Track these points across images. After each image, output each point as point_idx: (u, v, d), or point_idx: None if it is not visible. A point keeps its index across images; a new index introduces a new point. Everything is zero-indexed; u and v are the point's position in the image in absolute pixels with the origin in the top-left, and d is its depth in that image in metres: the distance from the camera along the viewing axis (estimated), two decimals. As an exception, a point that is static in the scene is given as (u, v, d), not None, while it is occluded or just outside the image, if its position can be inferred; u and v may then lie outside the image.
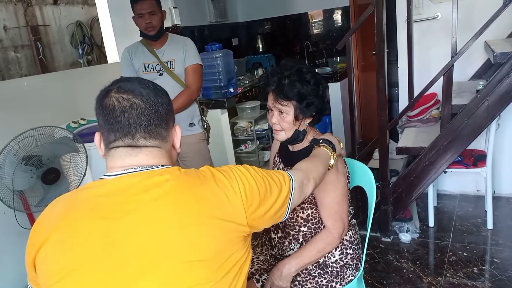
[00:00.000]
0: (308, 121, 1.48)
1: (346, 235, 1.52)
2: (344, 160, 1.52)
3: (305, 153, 1.49)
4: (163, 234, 0.83)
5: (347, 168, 1.53)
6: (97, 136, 0.95)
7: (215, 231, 0.87)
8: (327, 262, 1.49)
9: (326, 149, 1.32)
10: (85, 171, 2.32)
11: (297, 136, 1.48)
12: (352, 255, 1.53)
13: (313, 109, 1.44)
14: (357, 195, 2.51)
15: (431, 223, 2.79)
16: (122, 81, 0.95)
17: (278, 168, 1.60)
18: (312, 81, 1.43)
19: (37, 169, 2.15)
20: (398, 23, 3.16)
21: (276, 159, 1.64)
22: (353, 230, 1.57)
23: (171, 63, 2.43)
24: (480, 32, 2.18)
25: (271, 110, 1.48)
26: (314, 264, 1.48)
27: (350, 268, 1.52)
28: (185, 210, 0.86)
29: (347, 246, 1.52)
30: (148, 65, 2.43)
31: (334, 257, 1.50)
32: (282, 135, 1.49)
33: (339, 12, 4.60)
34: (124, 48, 2.53)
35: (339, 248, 1.51)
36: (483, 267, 2.32)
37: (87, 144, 2.32)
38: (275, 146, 1.68)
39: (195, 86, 2.45)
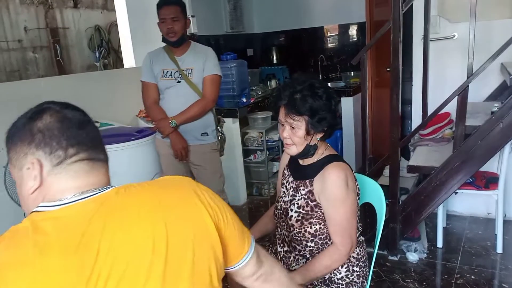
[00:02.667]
0: (319, 136, 1.48)
1: (354, 252, 1.51)
2: (354, 176, 1.51)
3: (315, 167, 1.48)
4: (136, 254, 0.78)
5: (357, 185, 1.52)
6: (35, 164, 0.82)
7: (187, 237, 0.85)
8: (332, 279, 1.48)
9: None
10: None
11: (308, 151, 1.48)
12: (358, 273, 1.51)
13: (325, 124, 1.44)
14: (365, 212, 2.49)
15: (440, 243, 2.75)
16: (54, 103, 0.88)
17: (287, 181, 1.59)
18: (325, 96, 1.42)
19: (48, 169, 2.17)
20: (414, 40, 3.16)
21: (285, 171, 1.64)
22: (361, 247, 1.55)
23: (190, 72, 2.42)
24: (497, 54, 2.17)
25: (282, 124, 1.48)
26: (320, 280, 1.47)
27: (356, 286, 1.50)
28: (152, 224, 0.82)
29: (354, 263, 1.51)
30: (167, 71, 2.44)
31: (340, 273, 1.49)
32: (293, 150, 1.48)
33: (355, 27, 4.61)
34: (147, 53, 2.54)
35: (346, 265, 1.49)
36: (492, 292, 2.28)
37: (99, 147, 2.34)
38: (285, 158, 1.68)
39: (211, 97, 2.44)
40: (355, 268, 1.51)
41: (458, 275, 2.44)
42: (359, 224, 1.57)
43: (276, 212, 1.60)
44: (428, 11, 2.53)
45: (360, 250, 1.54)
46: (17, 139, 0.84)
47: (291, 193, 1.54)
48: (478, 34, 2.23)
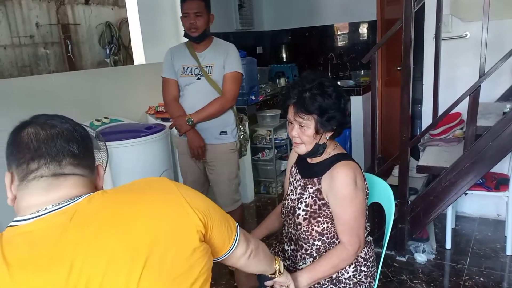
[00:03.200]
0: (328, 134, 1.47)
1: (361, 251, 1.50)
2: (363, 175, 1.50)
3: (324, 166, 1.48)
4: (109, 266, 0.77)
5: (366, 184, 1.51)
6: (7, 176, 0.86)
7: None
8: (340, 278, 1.47)
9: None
10: (105, 168, 2.36)
11: (317, 150, 1.47)
12: (366, 273, 1.50)
13: (334, 123, 1.43)
14: (373, 211, 2.48)
15: (448, 245, 2.73)
16: (42, 116, 0.91)
17: (295, 180, 1.59)
18: (334, 94, 1.42)
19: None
20: (425, 39, 3.13)
21: (293, 170, 1.63)
22: (369, 247, 1.54)
23: (210, 68, 2.36)
24: (510, 54, 2.14)
25: (291, 123, 1.47)
26: (327, 279, 1.46)
27: (363, 286, 1.49)
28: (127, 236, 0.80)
29: (362, 263, 1.50)
30: (187, 68, 2.38)
31: (348, 273, 1.48)
32: (302, 148, 1.48)
33: (365, 26, 4.58)
34: (168, 48, 2.49)
35: (353, 265, 1.49)
36: (501, 295, 2.26)
37: (108, 143, 2.36)
38: (293, 156, 1.67)
39: (231, 95, 2.37)
40: (362, 268, 1.50)
41: (467, 277, 2.42)
42: (367, 224, 1.56)
43: (283, 210, 1.60)
44: (440, 10, 2.50)
45: (368, 250, 1.53)
46: (6, 150, 0.87)
47: (298, 191, 1.54)
48: (490, 33, 2.21)
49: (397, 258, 2.64)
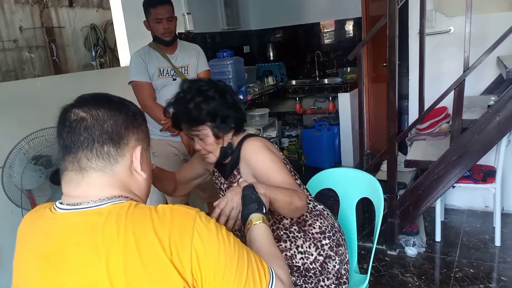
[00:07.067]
0: (230, 134, 1.42)
1: (314, 227, 1.46)
2: (276, 147, 1.49)
3: (235, 156, 1.44)
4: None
5: (283, 155, 1.50)
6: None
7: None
8: (306, 265, 1.43)
9: (262, 224, 1.04)
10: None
11: (226, 153, 1.43)
12: (329, 244, 1.46)
13: (230, 121, 1.39)
14: (363, 207, 2.50)
15: (438, 237, 2.76)
16: (85, 96, 0.90)
17: (220, 183, 1.54)
18: (217, 95, 1.36)
19: (46, 169, 2.17)
20: (410, 35, 3.16)
21: (216, 174, 1.57)
22: (322, 219, 1.49)
23: (186, 69, 2.45)
24: (493, 47, 2.17)
25: (192, 138, 1.41)
26: (296, 274, 1.42)
27: (332, 258, 1.45)
28: (126, 266, 0.75)
29: (319, 238, 1.45)
30: (164, 69, 2.42)
31: (313, 255, 1.44)
32: (211, 158, 1.43)
33: (351, 23, 4.61)
34: (134, 52, 2.48)
35: (313, 245, 1.45)
36: (490, 285, 2.28)
37: (96, 146, 2.34)
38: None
39: None
40: (323, 242, 1.45)
41: (457, 269, 2.45)
42: (309, 193, 1.54)
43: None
44: (424, 6, 2.53)
45: (321, 222, 1.48)
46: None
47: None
48: (474, 27, 2.24)
49: (388, 252, 2.66)
